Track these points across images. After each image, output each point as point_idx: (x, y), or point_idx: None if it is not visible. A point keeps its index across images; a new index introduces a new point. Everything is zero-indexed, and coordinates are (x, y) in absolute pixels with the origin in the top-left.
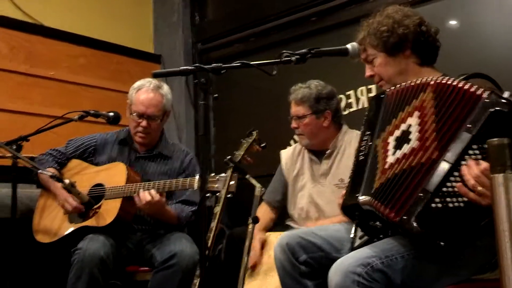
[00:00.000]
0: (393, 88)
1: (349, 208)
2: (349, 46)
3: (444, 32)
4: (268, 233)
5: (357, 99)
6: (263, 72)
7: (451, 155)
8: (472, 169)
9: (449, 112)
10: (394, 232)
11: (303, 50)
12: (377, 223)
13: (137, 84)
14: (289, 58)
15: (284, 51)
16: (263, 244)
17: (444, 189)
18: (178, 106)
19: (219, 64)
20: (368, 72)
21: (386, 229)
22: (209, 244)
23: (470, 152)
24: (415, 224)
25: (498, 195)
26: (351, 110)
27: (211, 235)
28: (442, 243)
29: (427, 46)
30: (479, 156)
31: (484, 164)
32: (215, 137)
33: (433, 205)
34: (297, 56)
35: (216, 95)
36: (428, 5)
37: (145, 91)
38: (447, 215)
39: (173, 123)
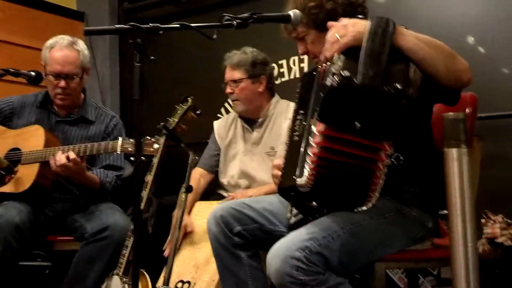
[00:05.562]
0: (324, 65)
1: (286, 190)
2: (291, 13)
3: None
4: (198, 202)
5: (289, 69)
6: (195, 36)
7: None
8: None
9: None
10: (329, 211)
11: (245, 15)
12: (313, 203)
13: (49, 42)
14: (230, 22)
15: (224, 14)
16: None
17: None
18: (102, 68)
19: (157, 25)
20: (301, 50)
21: (321, 208)
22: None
23: None
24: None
25: (452, 169)
26: (283, 79)
27: (142, 205)
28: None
29: (357, 16)
30: None
31: None
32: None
33: None
34: (239, 21)
35: (153, 57)
36: None
37: (58, 48)
38: None
39: (97, 85)
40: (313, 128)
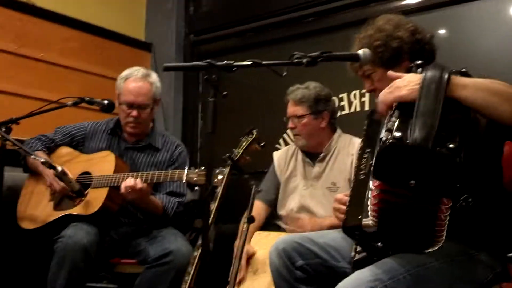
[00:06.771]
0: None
1: (350, 229)
2: (360, 52)
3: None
4: (256, 233)
5: (350, 103)
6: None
7: None
8: None
9: None
10: (394, 251)
11: (315, 53)
12: (379, 244)
13: (125, 73)
14: (300, 60)
15: (295, 52)
16: (249, 258)
17: None
18: (166, 97)
19: (231, 62)
20: (367, 87)
21: (387, 249)
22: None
23: None
24: None
25: None
26: (343, 113)
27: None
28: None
29: (424, 53)
30: None
31: None
32: (202, 131)
33: None
34: (308, 59)
35: (226, 92)
36: (420, 15)
37: (133, 80)
38: None
39: (160, 113)
40: (371, 183)
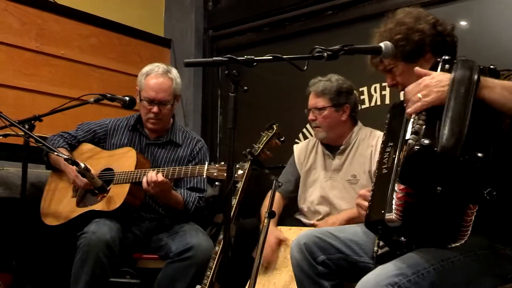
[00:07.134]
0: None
1: (373, 223)
2: (382, 45)
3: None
4: (278, 227)
5: (370, 96)
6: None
7: None
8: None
9: None
10: (418, 246)
11: (336, 47)
12: (402, 238)
13: (146, 69)
14: (321, 54)
15: (316, 46)
16: (279, 242)
17: None
18: (186, 93)
19: (251, 57)
20: (389, 82)
21: (410, 243)
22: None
23: None
24: None
25: None
26: (364, 106)
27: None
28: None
29: (446, 45)
30: None
31: None
32: (221, 126)
33: None
34: (329, 52)
35: (246, 87)
36: (441, 7)
37: (154, 76)
38: None
39: (180, 108)
40: (396, 186)
